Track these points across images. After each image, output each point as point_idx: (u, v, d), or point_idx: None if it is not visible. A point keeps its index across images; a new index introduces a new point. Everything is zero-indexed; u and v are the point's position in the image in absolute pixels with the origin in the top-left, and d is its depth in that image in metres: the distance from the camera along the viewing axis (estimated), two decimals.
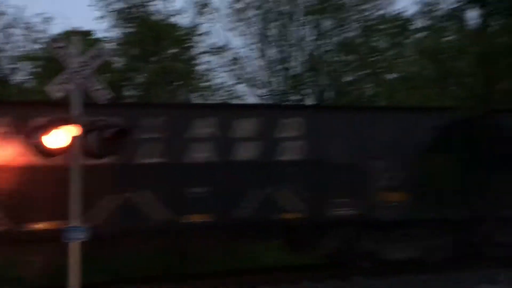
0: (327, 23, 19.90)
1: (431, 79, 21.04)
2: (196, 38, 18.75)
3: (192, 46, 18.87)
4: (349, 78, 20.38)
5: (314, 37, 19.97)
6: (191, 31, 18.63)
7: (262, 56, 19.87)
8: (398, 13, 20.09)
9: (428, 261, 10.57)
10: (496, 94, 20.30)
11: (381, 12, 19.95)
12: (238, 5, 19.64)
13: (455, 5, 20.54)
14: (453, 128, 11.91)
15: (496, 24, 19.96)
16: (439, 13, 20.69)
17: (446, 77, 20.90)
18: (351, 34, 20.08)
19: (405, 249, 10.48)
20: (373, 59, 20.02)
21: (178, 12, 18.25)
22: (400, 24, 20.05)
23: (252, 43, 19.93)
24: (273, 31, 19.78)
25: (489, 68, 19.13)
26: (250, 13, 19.68)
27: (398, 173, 10.70)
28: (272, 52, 19.85)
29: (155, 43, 17.72)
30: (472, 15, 20.36)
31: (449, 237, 11.04)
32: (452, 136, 11.78)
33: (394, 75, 21.29)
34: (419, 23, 20.89)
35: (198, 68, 19.61)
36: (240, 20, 19.78)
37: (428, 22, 20.99)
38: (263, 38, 19.78)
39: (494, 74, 19.46)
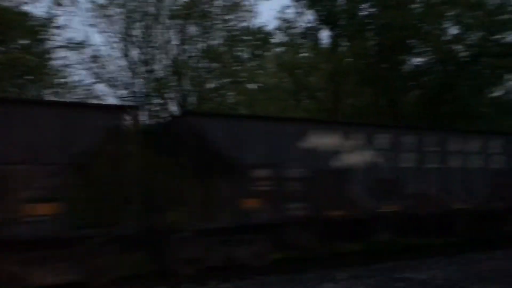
0: (192, 29, 19.94)
1: (288, 92, 22.50)
2: (51, 31, 17.27)
3: (46, 39, 17.35)
4: (211, 85, 20.64)
5: (179, 42, 19.86)
6: (47, 22, 17.13)
7: (125, 56, 19.10)
8: (260, 27, 20.93)
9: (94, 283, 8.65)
10: (344, 109, 22.50)
11: (245, 24, 20.59)
12: (100, 0, 18.65)
13: (310, 25, 22.37)
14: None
15: (344, 45, 22.13)
16: (296, 30, 22.20)
17: (300, 91, 22.55)
18: (215, 42, 20.39)
19: (63, 271, 8.35)
20: (235, 68, 20.58)
21: (32, 0, 16.65)
22: (262, 37, 20.90)
23: (115, 42, 19.06)
24: (137, 31, 19.16)
25: (338, 85, 21.13)
26: (113, 10, 18.82)
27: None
28: (135, 53, 19.22)
29: (2, 32, 15.91)
30: (325, 35, 22.35)
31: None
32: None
33: (255, 85, 22.27)
34: (278, 38, 22.15)
35: (52, 63, 18.12)
36: (102, 16, 18.79)
37: (287, 38, 22.39)
38: (127, 38, 19.04)
39: (342, 90, 21.56)
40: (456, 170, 13.61)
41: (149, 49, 19.39)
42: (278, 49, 22.68)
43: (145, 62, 19.33)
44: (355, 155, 11.80)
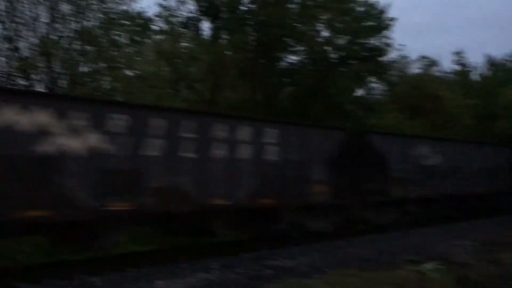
0: (65, 7, 18.61)
1: (166, 81, 22.10)
2: None
3: None
4: (85, 69, 19.49)
5: (49, 20, 18.40)
6: None
7: None
8: (140, 12, 20.26)
9: None
10: (223, 101, 22.78)
11: (123, 7, 19.75)
12: None
13: (191, 15, 22.27)
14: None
15: (225, 38, 22.39)
16: (177, 19, 21.92)
17: (179, 80, 22.31)
18: (90, 23, 19.26)
19: None
20: (111, 53, 19.66)
21: None
22: (141, 23, 20.26)
23: None
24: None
25: (217, 77, 21.31)
26: None
27: None
28: None
29: None
30: (206, 26, 22.41)
31: None
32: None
33: (132, 72, 21.51)
34: (158, 25, 21.66)
35: None
36: None
37: (167, 26, 21.99)
38: None
39: (221, 83, 21.79)
40: (218, 161, 11.43)
41: (13, 24, 17.68)
42: (157, 37, 22.15)
43: (9, 39, 17.60)
44: (72, 138, 8.89)
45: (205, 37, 22.43)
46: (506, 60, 50.65)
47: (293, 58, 24.19)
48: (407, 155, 17.70)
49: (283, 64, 24.78)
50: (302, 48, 22.61)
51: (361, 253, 11.75)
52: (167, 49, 21.53)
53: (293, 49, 23.16)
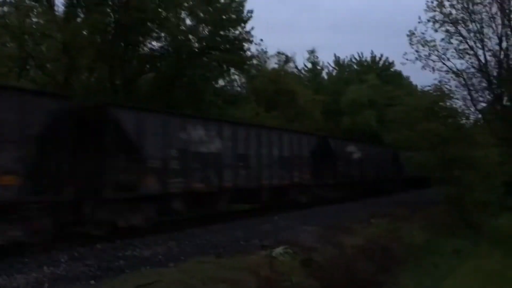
0: None
1: (12, 58, 19.99)
2: None
3: None
4: None
5: None
6: None
7: None
8: None
9: None
10: (77, 83, 21.34)
11: None
12: None
13: None
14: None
15: (81, 17, 20.96)
16: None
17: (27, 59, 20.33)
18: None
19: None
20: None
21: None
22: None
23: None
24: None
25: (72, 58, 19.89)
26: None
27: None
28: None
29: None
30: (60, 2, 20.69)
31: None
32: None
33: None
34: None
35: None
36: None
37: None
38: None
39: (76, 64, 20.39)
40: None
41: None
42: (1, 9, 19.86)
43: None
44: None
45: (59, 13, 20.74)
46: (352, 62, 55.81)
47: (155, 44, 23.66)
48: (171, 138, 13.71)
49: (144, 49, 24.10)
50: (164, 34, 22.19)
51: (218, 240, 12.02)
52: (13, 23, 19.47)
53: (155, 34, 22.62)
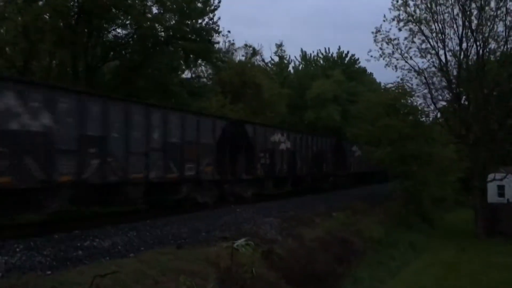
0: None
1: None
2: None
3: None
4: None
5: None
6: None
7: None
8: None
9: None
10: (37, 69, 20.70)
11: None
12: None
13: None
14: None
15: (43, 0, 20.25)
16: None
17: None
18: None
19: None
20: None
21: None
22: None
23: None
24: None
25: (32, 42, 19.25)
26: None
27: None
28: None
29: None
30: None
31: None
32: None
33: None
34: None
35: None
36: None
37: None
38: None
39: (36, 48, 19.76)
40: None
41: None
42: None
43: None
44: None
45: None
46: (318, 57, 56.34)
47: (120, 31, 23.17)
48: None
49: (109, 36, 23.57)
50: (129, 22, 21.75)
51: (179, 231, 11.97)
52: None
53: (120, 21, 22.14)
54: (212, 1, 23.38)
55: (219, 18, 23.98)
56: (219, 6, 23.62)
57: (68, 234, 10.63)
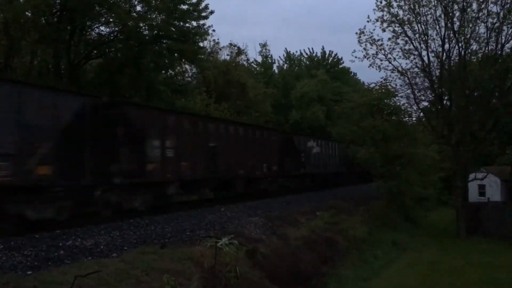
0: None
1: None
2: None
3: None
4: None
5: None
6: None
7: None
8: None
9: None
10: (19, 67, 20.38)
11: None
12: None
13: None
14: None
15: None
16: None
17: None
18: None
19: None
20: None
21: None
22: None
23: None
24: None
25: (13, 39, 18.96)
26: None
27: None
28: None
29: None
30: None
31: None
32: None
33: None
34: None
35: None
36: None
37: None
38: None
39: (17, 46, 19.47)
40: None
41: None
42: None
43: None
44: None
45: None
46: (303, 57, 56.56)
47: (103, 29, 22.94)
48: None
49: (92, 34, 23.32)
50: (114, 20, 21.52)
51: (163, 231, 11.89)
52: None
53: (103, 19, 21.91)
54: (201, 5, 23.30)
55: (210, 26, 24.17)
56: (212, 13, 23.62)
57: (50, 234, 10.49)
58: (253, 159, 21.35)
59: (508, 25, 24.50)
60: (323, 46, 62.17)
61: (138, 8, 22.59)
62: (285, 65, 56.21)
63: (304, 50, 58.30)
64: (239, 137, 20.51)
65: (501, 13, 24.21)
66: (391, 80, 27.64)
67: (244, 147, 20.66)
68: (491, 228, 25.70)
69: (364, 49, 26.12)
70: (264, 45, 51.69)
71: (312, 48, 56.28)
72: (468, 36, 24.97)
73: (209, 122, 18.84)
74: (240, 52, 38.84)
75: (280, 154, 24.43)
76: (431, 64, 26.32)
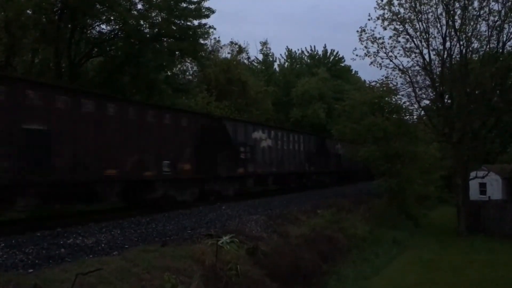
0: None
1: None
2: None
3: None
4: None
5: None
6: None
7: None
8: None
9: None
10: (20, 65, 20.38)
11: None
12: None
13: None
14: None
15: None
16: None
17: None
18: None
19: None
20: None
21: None
22: None
23: None
24: None
25: (14, 38, 18.94)
26: None
27: None
28: None
29: None
30: None
31: None
32: None
33: None
34: None
35: None
36: None
37: None
38: None
39: (18, 44, 19.45)
40: None
41: None
42: None
43: None
44: None
45: None
46: (304, 55, 56.48)
47: (104, 27, 22.92)
48: None
49: (93, 32, 23.30)
50: (114, 18, 21.50)
51: (164, 229, 11.92)
52: None
53: (104, 18, 21.89)
54: (202, 4, 23.27)
55: (211, 26, 24.12)
56: (213, 12, 23.57)
57: (51, 232, 10.52)
58: (139, 152, 14.87)
59: (510, 23, 24.49)
60: (325, 44, 62.33)
61: (139, 6, 22.59)
62: (286, 63, 56.17)
63: (305, 48, 58.12)
64: (109, 119, 13.86)
65: (503, 11, 24.19)
66: (392, 78, 27.63)
67: (123, 134, 14.33)
68: (492, 227, 25.70)
69: (365, 47, 26.11)
70: (264, 43, 51.73)
71: (314, 46, 56.18)
72: (470, 34, 24.95)
73: (26, 87, 11.63)
74: (241, 50, 38.83)
75: (197, 147, 17.65)
76: (432, 62, 26.30)
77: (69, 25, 21.17)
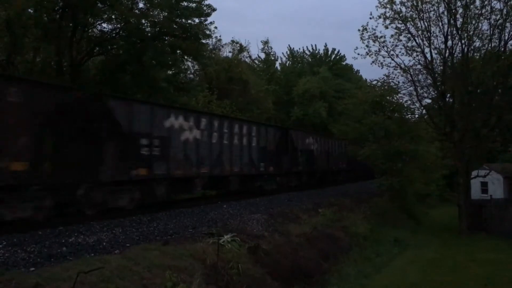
0: None
1: None
2: None
3: None
4: None
5: None
6: None
7: None
8: None
9: None
10: (21, 64, 20.40)
11: None
12: None
13: None
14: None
15: None
16: None
17: None
18: None
19: None
20: None
21: None
22: None
23: None
24: None
25: (15, 36, 18.95)
26: None
27: None
28: None
29: None
30: None
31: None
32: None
33: None
34: None
35: None
36: None
37: None
38: None
39: (20, 43, 19.47)
40: None
41: None
42: None
43: None
44: None
45: None
46: (305, 54, 56.46)
47: (105, 26, 22.93)
48: None
49: (94, 31, 23.30)
50: (116, 17, 21.51)
51: (165, 228, 11.92)
52: None
53: (106, 16, 21.90)
54: (203, 3, 23.24)
55: (212, 22, 24.08)
56: (215, 10, 23.53)
57: (52, 230, 10.53)
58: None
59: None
60: (326, 43, 62.30)
61: (141, 5, 22.58)
62: (288, 62, 56.16)
63: (306, 47, 58.13)
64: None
65: (505, 10, 24.19)
66: (394, 77, 27.63)
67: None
68: (493, 225, 25.70)
69: (367, 46, 26.11)
70: (266, 42, 51.67)
71: (315, 45, 56.18)
72: (471, 33, 24.94)
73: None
74: (242, 49, 38.83)
75: (45, 136, 11.18)
76: (434, 61, 26.31)
77: (71, 24, 21.17)
